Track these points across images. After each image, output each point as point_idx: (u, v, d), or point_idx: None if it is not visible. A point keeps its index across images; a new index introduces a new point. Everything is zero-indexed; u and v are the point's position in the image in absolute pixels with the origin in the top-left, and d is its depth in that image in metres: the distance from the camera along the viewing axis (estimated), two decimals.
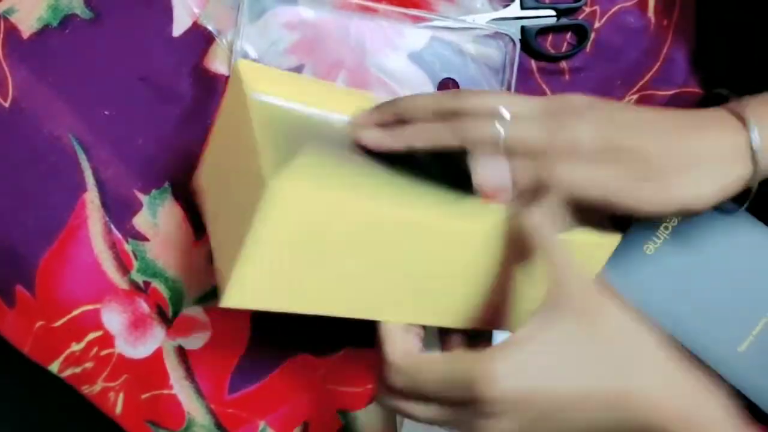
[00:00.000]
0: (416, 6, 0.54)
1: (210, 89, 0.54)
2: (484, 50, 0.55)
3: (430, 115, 0.43)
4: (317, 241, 0.39)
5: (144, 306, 0.53)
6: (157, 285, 0.53)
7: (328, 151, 0.41)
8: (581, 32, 0.56)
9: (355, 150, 0.43)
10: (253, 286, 0.39)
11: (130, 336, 0.53)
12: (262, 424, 0.55)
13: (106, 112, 0.53)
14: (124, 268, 0.53)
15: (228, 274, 0.39)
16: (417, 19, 0.55)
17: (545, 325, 0.38)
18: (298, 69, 0.54)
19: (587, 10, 0.56)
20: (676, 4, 0.56)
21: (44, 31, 0.53)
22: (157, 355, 0.54)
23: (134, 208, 0.53)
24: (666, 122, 0.43)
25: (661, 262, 0.55)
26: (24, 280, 0.52)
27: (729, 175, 0.43)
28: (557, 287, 0.39)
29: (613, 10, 0.56)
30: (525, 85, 0.55)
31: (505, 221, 0.42)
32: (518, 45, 0.55)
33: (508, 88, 0.54)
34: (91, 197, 0.53)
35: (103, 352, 0.53)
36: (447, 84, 0.55)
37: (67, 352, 0.53)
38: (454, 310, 0.45)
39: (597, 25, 0.56)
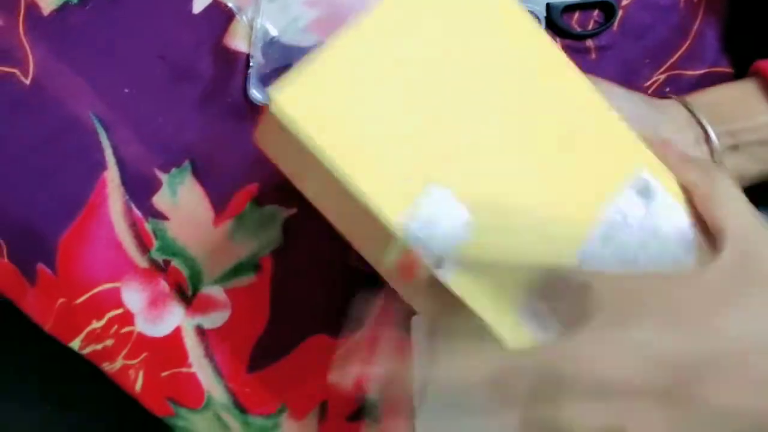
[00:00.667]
0: None
1: (230, 67, 0.54)
2: None
3: None
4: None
5: (163, 285, 0.54)
6: (177, 264, 0.54)
7: None
8: (608, 9, 0.55)
9: None
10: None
11: (150, 314, 0.54)
12: (280, 403, 0.55)
13: (126, 90, 0.53)
14: (144, 246, 0.53)
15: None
16: None
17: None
18: (319, 46, 0.54)
19: None
20: None
21: (64, 8, 0.53)
22: (177, 333, 0.54)
23: (154, 186, 0.53)
24: None
25: None
26: (45, 258, 0.53)
27: None
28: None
29: None
30: None
31: None
32: (543, 22, 0.54)
33: None
34: (112, 176, 0.53)
35: (123, 330, 0.53)
36: None
37: (88, 329, 0.53)
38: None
39: (625, 2, 0.55)
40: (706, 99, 0.47)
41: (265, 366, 0.55)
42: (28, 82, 0.52)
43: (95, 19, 0.53)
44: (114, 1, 0.53)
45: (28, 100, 0.52)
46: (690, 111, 0.46)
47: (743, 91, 0.47)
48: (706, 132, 0.45)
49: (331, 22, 0.54)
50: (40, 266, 0.53)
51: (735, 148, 0.46)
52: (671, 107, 0.46)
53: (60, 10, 0.52)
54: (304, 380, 0.55)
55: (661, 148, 0.40)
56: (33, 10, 0.52)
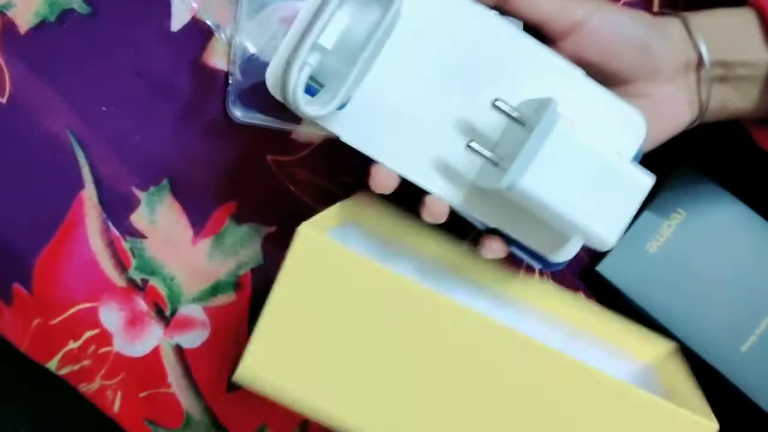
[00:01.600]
0: None
1: (209, 84, 0.54)
2: None
3: None
4: (341, 310, 0.38)
5: (142, 304, 0.53)
6: (155, 283, 0.53)
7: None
8: None
9: None
10: (272, 354, 0.39)
11: (128, 334, 0.53)
12: (260, 422, 0.55)
13: (103, 108, 0.53)
14: (121, 265, 0.53)
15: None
16: None
17: None
18: None
19: None
20: None
21: (41, 26, 0.52)
22: (155, 353, 0.53)
23: (132, 205, 0.53)
24: None
25: (664, 260, 0.55)
26: (21, 277, 0.52)
27: None
28: None
29: None
30: None
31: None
32: None
33: None
34: (89, 194, 0.53)
35: (101, 350, 0.53)
36: None
37: (65, 349, 0.53)
38: None
39: None
40: (706, 21, 0.45)
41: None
42: (4, 100, 0.52)
43: (73, 37, 0.52)
44: (91, 19, 0.53)
45: (5, 119, 0.52)
46: (688, 31, 0.45)
47: (743, 20, 0.45)
48: (699, 57, 0.44)
49: None
50: (16, 285, 0.52)
51: (724, 79, 0.45)
52: (670, 26, 0.45)
53: (37, 28, 0.52)
54: None
55: None
56: (10, 28, 0.52)
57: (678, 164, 0.56)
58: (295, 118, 0.54)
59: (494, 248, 0.44)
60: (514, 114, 0.41)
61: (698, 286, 0.55)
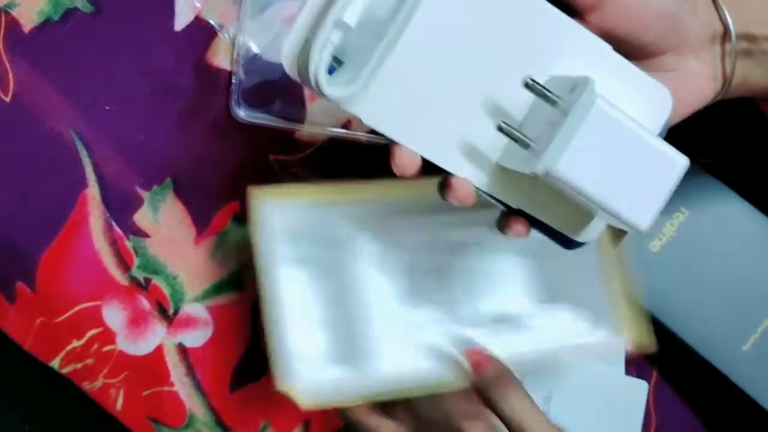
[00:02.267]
0: None
1: (212, 84, 0.54)
2: None
3: None
4: None
5: (145, 303, 0.53)
6: (158, 282, 0.53)
7: None
8: None
9: None
10: None
11: (131, 333, 0.53)
12: (263, 421, 0.55)
13: (107, 108, 0.53)
14: (124, 264, 0.53)
15: None
16: None
17: None
18: None
19: None
20: None
21: (45, 26, 0.52)
22: (158, 352, 0.53)
23: (135, 204, 0.53)
24: None
25: (666, 259, 0.55)
26: (25, 276, 0.52)
27: None
28: None
29: None
30: None
31: None
32: None
33: None
34: (92, 193, 0.53)
35: (104, 349, 0.53)
36: None
37: (68, 348, 0.53)
38: None
39: None
40: None
41: (248, 384, 0.54)
42: (8, 99, 0.52)
43: (76, 37, 0.53)
44: (95, 19, 0.53)
45: (9, 118, 0.52)
46: (715, 3, 0.44)
47: None
48: (725, 29, 0.44)
49: None
50: (20, 284, 0.52)
51: (748, 53, 0.45)
52: None
53: (41, 27, 0.52)
54: (287, 398, 0.55)
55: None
56: (14, 27, 0.52)
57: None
58: (298, 118, 0.54)
59: (518, 230, 0.43)
60: (548, 93, 0.39)
61: (700, 285, 0.55)
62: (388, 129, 0.41)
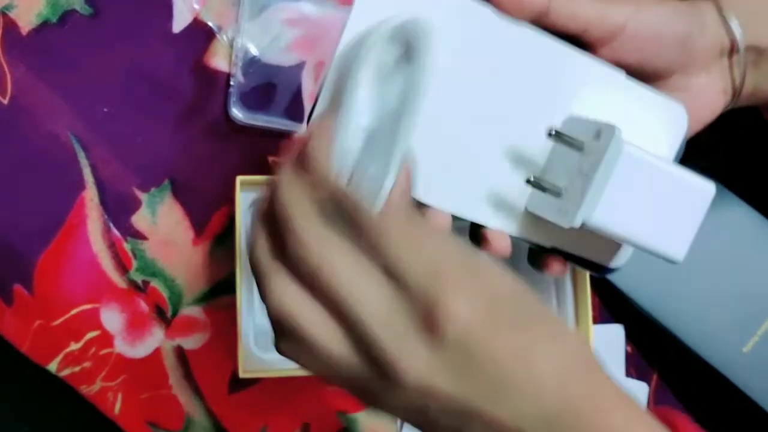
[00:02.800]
0: None
1: (210, 86, 0.54)
2: None
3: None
4: None
5: (143, 305, 0.53)
6: (156, 284, 0.53)
7: None
8: None
9: None
10: None
11: (129, 336, 0.53)
12: (262, 425, 0.54)
13: (105, 110, 0.53)
14: (122, 267, 0.53)
15: None
16: None
17: None
18: (299, 66, 0.54)
19: None
20: None
21: (43, 28, 0.52)
22: (156, 355, 0.53)
23: (133, 206, 0.53)
24: None
25: (666, 260, 0.55)
26: (22, 278, 0.52)
27: None
28: None
29: None
30: None
31: None
32: None
33: None
34: (90, 195, 0.52)
35: (102, 352, 0.53)
36: None
37: (66, 351, 0.53)
38: None
39: None
40: (739, 5, 0.44)
41: (246, 387, 0.54)
42: (6, 101, 0.52)
43: (74, 39, 0.52)
44: (93, 21, 0.53)
45: (6, 120, 0.52)
46: (722, 16, 0.44)
47: None
48: (732, 43, 0.44)
49: (312, 42, 0.54)
50: (17, 287, 0.52)
51: (756, 64, 0.45)
52: (705, 12, 0.44)
53: (39, 29, 0.52)
54: (286, 401, 0.55)
55: None
56: (12, 29, 0.52)
57: (681, 165, 0.56)
58: (297, 120, 0.54)
59: (557, 269, 0.43)
60: (573, 141, 0.39)
61: (700, 287, 0.55)
62: (414, 191, 0.40)
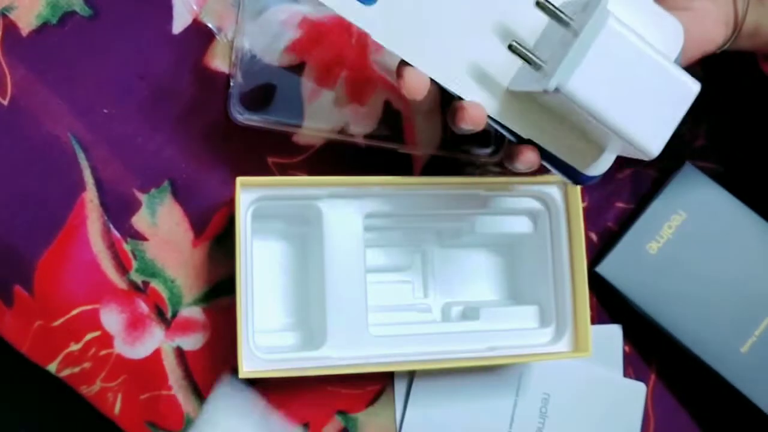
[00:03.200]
0: None
1: (210, 86, 0.54)
2: None
3: None
4: None
5: (143, 306, 0.53)
6: (156, 285, 0.53)
7: None
8: None
9: None
10: None
11: (129, 336, 0.53)
12: None
13: (105, 111, 0.53)
14: (123, 267, 0.53)
15: None
16: None
17: None
18: (299, 67, 0.54)
19: None
20: None
21: (43, 29, 0.52)
22: (156, 355, 0.53)
23: (133, 207, 0.53)
24: None
25: (664, 261, 0.55)
26: (22, 279, 0.52)
27: None
28: None
29: None
30: None
31: None
32: None
33: None
34: (90, 196, 0.53)
35: (102, 353, 0.53)
36: None
37: (66, 352, 0.53)
38: None
39: None
40: None
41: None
42: (6, 102, 0.52)
43: (74, 40, 0.53)
44: (93, 22, 0.53)
45: (6, 121, 0.52)
46: None
47: None
48: None
49: (312, 43, 0.54)
50: (17, 287, 0.52)
51: (760, 1, 0.45)
52: None
53: (39, 30, 0.52)
54: (286, 402, 0.55)
55: None
56: (12, 30, 0.52)
57: (679, 165, 0.56)
58: (296, 121, 0.54)
59: (530, 159, 0.43)
60: (560, 13, 0.39)
61: (698, 288, 0.55)
62: (396, 47, 0.40)
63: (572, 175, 0.44)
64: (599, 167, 0.44)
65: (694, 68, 0.46)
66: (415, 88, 0.40)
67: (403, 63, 0.40)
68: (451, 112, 0.42)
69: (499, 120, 0.42)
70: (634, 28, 0.39)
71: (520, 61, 0.40)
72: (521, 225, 0.54)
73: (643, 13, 0.41)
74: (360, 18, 0.39)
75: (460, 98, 0.41)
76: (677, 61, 0.42)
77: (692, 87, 0.39)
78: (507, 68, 0.41)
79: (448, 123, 0.43)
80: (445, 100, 0.41)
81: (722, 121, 0.59)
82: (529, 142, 0.42)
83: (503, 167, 0.55)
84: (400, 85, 0.41)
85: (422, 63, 0.40)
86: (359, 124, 0.55)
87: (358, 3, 0.39)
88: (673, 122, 0.39)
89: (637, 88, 0.38)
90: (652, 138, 0.39)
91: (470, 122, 0.41)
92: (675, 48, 0.42)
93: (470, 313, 0.54)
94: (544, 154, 0.43)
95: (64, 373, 0.53)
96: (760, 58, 0.51)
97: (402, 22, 0.40)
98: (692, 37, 0.43)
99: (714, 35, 0.45)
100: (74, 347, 0.53)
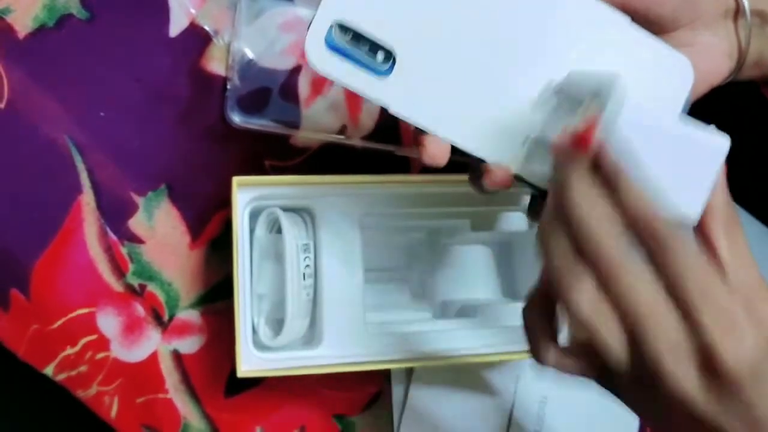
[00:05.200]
0: None
1: (207, 90, 0.54)
2: None
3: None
4: None
5: (139, 309, 0.53)
6: (153, 288, 0.53)
7: None
8: None
9: None
10: None
11: (125, 340, 0.53)
12: (258, 428, 0.54)
13: (101, 114, 0.53)
14: (119, 271, 0.53)
15: None
16: None
17: None
18: (296, 70, 0.54)
19: None
20: None
21: (40, 32, 0.52)
22: (153, 358, 0.53)
23: (130, 210, 0.53)
24: None
25: None
26: (19, 283, 0.52)
27: None
28: None
29: None
30: None
31: None
32: None
33: None
34: (87, 199, 0.52)
35: (98, 356, 0.53)
36: None
37: (62, 355, 0.52)
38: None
39: None
40: None
41: (242, 391, 0.54)
42: (2, 105, 0.52)
43: (71, 43, 0.53)
44: (90, 25, 0.53)
45: (3, 124, 0.52)
46: None
47: None
48: (737, 6, 0.44)
49: None
50: (13, 291, 0.52)
51: (762, 30, 0.45)
52: None
53: (35, 33, 0.52)
54: (282, 405, 0.55)
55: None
56: (8, 33, 0.52)
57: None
58: (293, 124, 0.54)
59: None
60: (571, 98, 0.39)
61: None
62: (418, 117, 0.40)
63: None
64: None
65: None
66: (437, 156, 0.40)
67: (420, 130, 0.40)
68: (476, 175, 0.42)
69: (526, 178, 0.42)
70: (644, 75, 0.39)
71: (542, 117, 0.41)
72: (518, 222, 0.54)
73: (650, 54, 0.42)
74: (375, 91, 0.39)
75: (482, 161, 0.41)
76: (688, 99, 0.43)
77: (720, 144, 0.38)
78: (530, 125, 0.41)
79: (470, 183, 0.43)
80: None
81: (717, 124, 0.59)
82: None
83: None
84: (421, 152, 0.40)
85: (444, 131, 0.40)
86: (356, 126, 0.55)
87: (374, 75, 0.39)
88: (708, 183, 0.38)
89: (665, 161, 0.37)
90: (689, 206, 0.38)
91: (496, 185, 0.41)
92: (686, 85, 0.42)
93: (467, 311, 0.54)
94: None
95: (61, 377, 0.53)
96: (761, 85, 0.51)
97: (419, 90, 0.40)
98: (699, 71, 0.43)
99: (719, 68, 0.45)
100: (70, 351, 0.52)
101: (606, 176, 0.34)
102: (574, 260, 0.34)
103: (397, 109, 0.39)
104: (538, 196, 0.43)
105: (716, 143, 0.38)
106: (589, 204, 0.34)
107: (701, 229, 0.37)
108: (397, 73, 0.39)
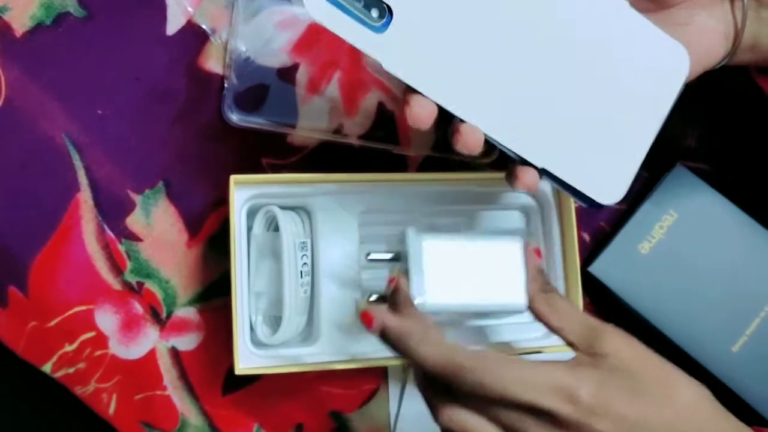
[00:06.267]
0: None
1: (204, 88, 0.54)
2: None
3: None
4: None
5: (137, 307, 0.53)
6: (151, 285, 0.53)
7: None
8: None
9: None
10: None
11: (124, 337, 0.53)
12: (255, 425, 0.55)
13: (99, 112, 0.53)
14: (117, 268, 0.53)
15: None
16: None
17: None
18: (293, 68, 0.54)
19: None
20: None
21: (37, 30, 0.52)
22: (151, 355, 0.53)
23: (127, 207, 0.53)
24: None
25: (656, 261, 0.55)
26: (17, 280, 0.52)
27: None
28: None
29: None
30: None
31: None
32: None
33: None
34: (85, 197, 0.53)
35: (96, 353, 0.53)
36: None
37: (60, 352, 0.53)
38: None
39: None
40: None
41: (240, 388, 0.54)
42: (0, 103, 0.52)
43: (68, 41, 0.53)
44: (87, 23, 0.53)
45: (1, 122, 0.52)
46: None
47: None
48: None
49: (306, 45, 0.54)
50: (12, 288, 0.52)
51: (757, 13, 0.45)
52: None
53: (33, 31, 0.52)
54: (280, 402, 0.55)
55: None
56: (6, 31, 0.52)
57: (671, 166, 0.57)
58: (290, 122, 0.54)
59: (529, 180, 0.43)
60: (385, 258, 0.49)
61: (689, 287, 0.55)
62: (408, 76, 0.40)
63: (585, 199, 0.44)
64: (614, 195, 0.44)
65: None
66: (422, 117, 0.41)
67: (410, 90, 0.40)
68: (450, 134, 0.42)
69: (508, 147, 0.42)
70: (639, 62, 0.42)
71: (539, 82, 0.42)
72: (514, 221, 0.54)
73: (647, 41, 0.42)
74: (370, 45, 0.39)
75: (462, 120, 0.41)
76: (683, 87, 0.43)
77: (518, 247, 0.47)
78: (522, 92, 0.41)
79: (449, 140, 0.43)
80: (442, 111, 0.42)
81: (713, 122, 0.59)
82: (543, 171, 0.43)
83: (496, 168, 0.55)
84: (406, 113, 0.41)
85: (434, 92, 0.41)
86: (353, 125, 0.55)
87: (369, 30, 0.39)
88: (521, 276, 0.47)
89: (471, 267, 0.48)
90: (516, 297, 0.47)
91: (466, 148, 0.41)
92: (681, 75, 0.43)
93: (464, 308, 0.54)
94: (555, 179, 0.43)
95: (59, 374, 0.53)
96: (752, 70, 0.51)
97: (413, 50, 0.40)
98: (693, 52, 0.43)
99: (714, 50, 0.45)
100: (69, 348, 0.53)
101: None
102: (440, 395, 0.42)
103: (389, 66, 0.40)
104: (518, 162, 0.43)
105: (509, 246, 0.47)
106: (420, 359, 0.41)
107: (534, 312, 0.45)
108: (393, 31, 0.39)
